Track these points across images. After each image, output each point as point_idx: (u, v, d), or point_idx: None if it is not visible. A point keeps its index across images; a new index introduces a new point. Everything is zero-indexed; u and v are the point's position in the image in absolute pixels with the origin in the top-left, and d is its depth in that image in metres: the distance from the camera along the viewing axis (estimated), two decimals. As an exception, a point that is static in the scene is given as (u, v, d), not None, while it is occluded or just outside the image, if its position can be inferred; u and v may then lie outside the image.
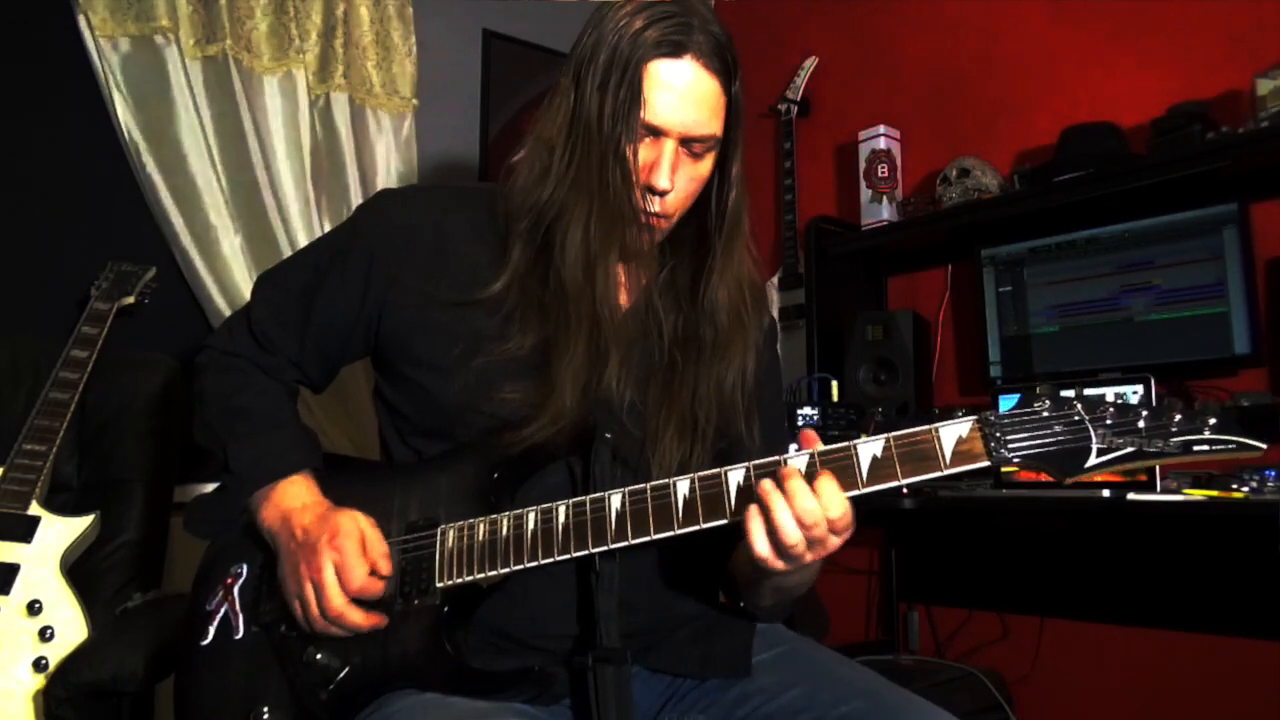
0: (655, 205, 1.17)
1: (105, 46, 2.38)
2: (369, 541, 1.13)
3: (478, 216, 1.26)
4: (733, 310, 1.24)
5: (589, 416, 1.16)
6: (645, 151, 1.16)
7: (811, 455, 1.02)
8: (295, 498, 1.19)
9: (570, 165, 1.16)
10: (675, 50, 1.13)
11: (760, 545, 1.00)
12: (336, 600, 1.10)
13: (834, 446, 1.02)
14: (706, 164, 1.20)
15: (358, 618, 1.11)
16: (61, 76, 2.40)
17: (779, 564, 1.01)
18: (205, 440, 1.28)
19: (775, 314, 2.97)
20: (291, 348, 1.30)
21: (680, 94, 1.13)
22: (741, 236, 1.25)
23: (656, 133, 1.15)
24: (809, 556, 1.01)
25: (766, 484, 1.00)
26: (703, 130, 1.16)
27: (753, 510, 1.01)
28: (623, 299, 1.26)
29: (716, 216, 1.24)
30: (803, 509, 0.98)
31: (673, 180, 1.16)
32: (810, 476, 1.00)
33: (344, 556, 1.10)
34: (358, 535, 1.13)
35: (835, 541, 1.01)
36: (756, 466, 1.04)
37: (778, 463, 1.03)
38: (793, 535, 0.98)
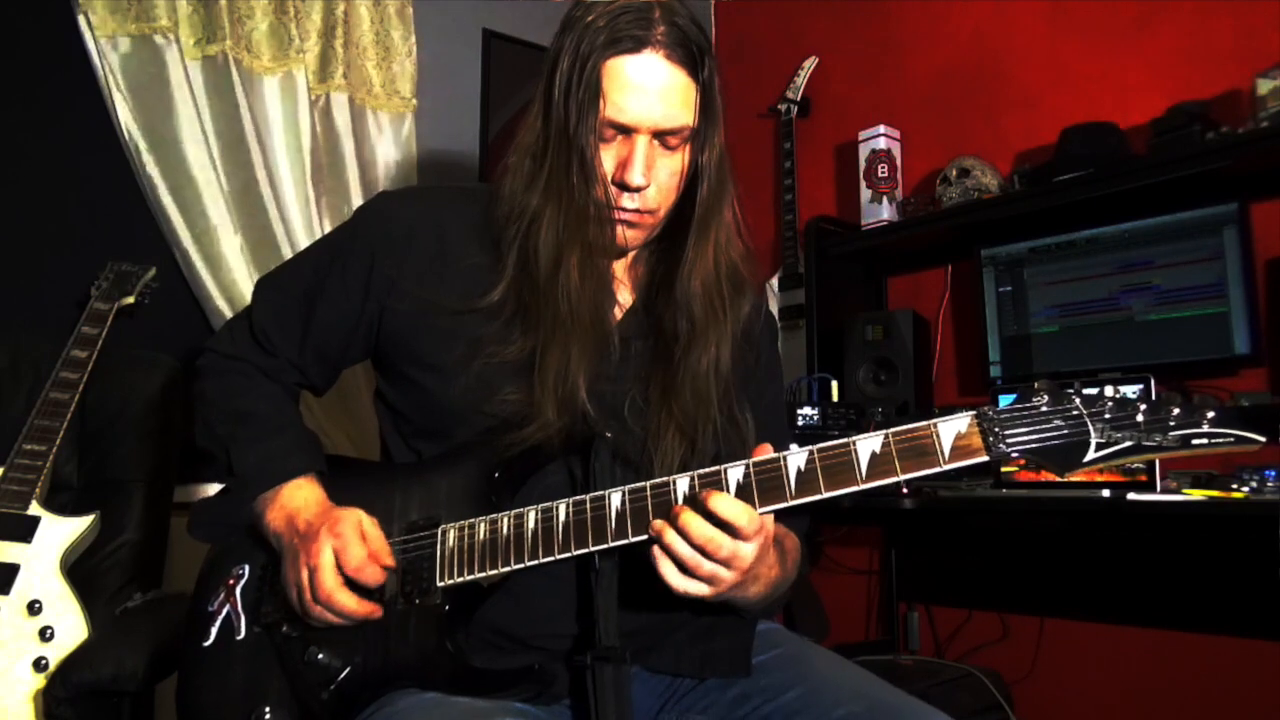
0: (635, 202, 1.18)
1: (105, 46, 2.38)
2: (369, 534, 1.13)
3: (477, 218, 1.26)
4: (705, 299, 1.23)
5: (588, 416, 1.16)
6: (618, 149, 1.16)
7: (810, 452, 1.02)
8: (300, 499, 1.20)
9: (544, 170, 1.17)
10: (636, 45, 1.13)
11: (676, 581, 1.02)
12: (329, 581, 1.09)
13: (833, 443, 1.02)
14: (684, 154, 1.19)
15: (350, 602, 1.10)
16: (61, 76, 2.40)
17: (703, 591, 1.03)
18: (207, 444, 1.28)
19: (775, 314, 2.97)
20: (292, 350, 1.30)
21: (646, 91, 1.13)
22: (717, 224, 1.24)
23: (626, 130, 1.15)
24: (726, 574, 1.02)
25: (658, 523, 1.02)
26: (672, 123, 1.15)
27: (655, 551, 1.02)
28: (623, 298, 1.27)
29: (690, 206, 1.23)
30: (701, 537, 1.00)
31: (648, 176, 1.16)
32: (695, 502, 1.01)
33: (343, 540, 1.11)
34: (357, 524, 1.13)
35: (747, 549, 1.02)
36: (756, 464, 1.04)
37: (778, 460, 1.03)
38: (702, 565, 1.01)
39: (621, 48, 1.12)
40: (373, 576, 1.12)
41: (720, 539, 1.00)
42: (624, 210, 1.18)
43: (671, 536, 1.01)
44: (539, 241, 1.17)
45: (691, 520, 1.00)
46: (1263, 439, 0.92)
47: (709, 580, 1.02)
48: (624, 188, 1.16)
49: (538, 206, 1.18)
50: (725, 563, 1.01)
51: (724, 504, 0.99)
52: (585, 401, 1.16)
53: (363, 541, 1.12)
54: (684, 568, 1.02)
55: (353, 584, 1.11)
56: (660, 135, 1.16)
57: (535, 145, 1.19)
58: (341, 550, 1.10)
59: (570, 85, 1.13)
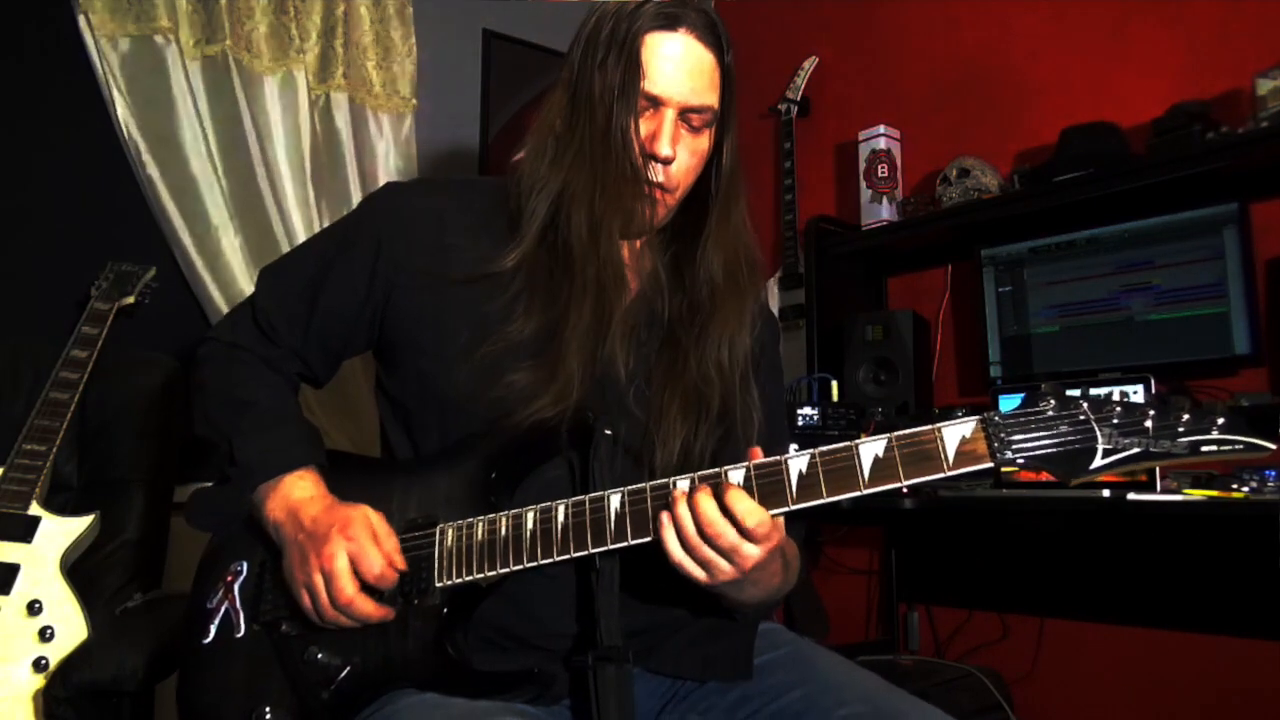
0: (660, 175, 1.20)
1: (105, 46, 2.37)
2: (380, 534, 1.13)
3: (483, 206, 1.27)
4: (728, 274, 1.25)
5: (588, 409, 1.15)
6: (646, 123, 1.19)
7: (812, 456, 1.02)
8: (302, 490, 1.19)
9: (573, 144, 1.19)
10: (671, 23, 1.18)
11: (676, 552, 1.03)
12: (348, 588, 1.09)
13: (835, 446, 1.01)
14: (705, 138, 1.23)
15: (369, 608, 1.10)
16: (61, 76, 2.40)
17: (698, 574, 1.03)
18: (206, 432, 1.27)
19: (775, 314, 2.97)
20: (295, 339, 1.30)
21: (677, 65, 1.18)
22: (737, 205, 1.28)
23: (656, 103, 1.18)
24: (725, 566, 1.02)
25: (676, 492, 1.03)
26: (700, 100, 1.19)
27: (663, 518, 1.03)
28: (632, 284, 1.27)
29: (713, 185, 1.27)
30: (708, 519, 1.00)
31: (674, 149, 1.19)
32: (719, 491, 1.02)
33: (359, 544, 1.10)
34: (369, 526, 1.13)
35: (751, 550, 1.02)
36: (757, 467, 1.03)
37: (779, 464, 1.02)
38: (702, 548, 1.01)
39: (658, 24, 1.17)
40: (390, 580, 1.12)
41: (726, 530, 1.00)
42: (649, 184, 1.20)
43: (682, 509, 1.02)
44: (571, 210, 1.18)
45: (705, 503, 1.01)
46: (1273, 446, 0.91)
47: (705, 564, 1.02)
48: (651, 159, 1.19)
49: (567, 179, 1.19)
50: (726, 554, 1.01)
51: (740, 500, 1.00)
52: (614, 377, 1.17)
53: (377, 545, 1.11)
54: (686, 545, 1.02)
55: (367, 587, 1.11)
56: (686, 114, 1.19)
57: (561, 123, 1.22)
58: (358, 556, 1.10)
59: (606, 58, 1.17)
